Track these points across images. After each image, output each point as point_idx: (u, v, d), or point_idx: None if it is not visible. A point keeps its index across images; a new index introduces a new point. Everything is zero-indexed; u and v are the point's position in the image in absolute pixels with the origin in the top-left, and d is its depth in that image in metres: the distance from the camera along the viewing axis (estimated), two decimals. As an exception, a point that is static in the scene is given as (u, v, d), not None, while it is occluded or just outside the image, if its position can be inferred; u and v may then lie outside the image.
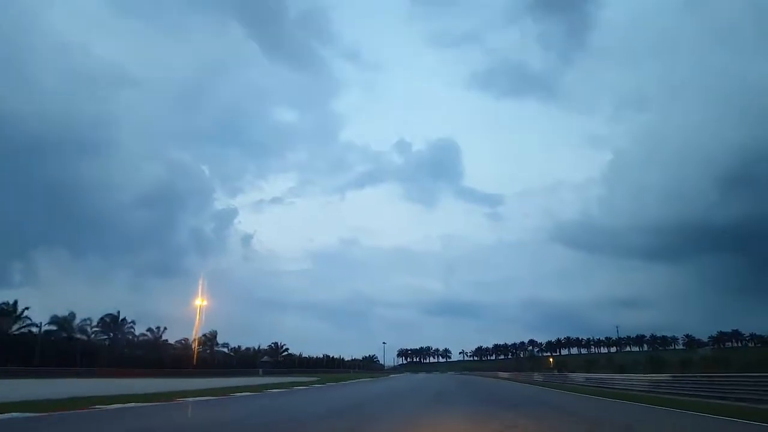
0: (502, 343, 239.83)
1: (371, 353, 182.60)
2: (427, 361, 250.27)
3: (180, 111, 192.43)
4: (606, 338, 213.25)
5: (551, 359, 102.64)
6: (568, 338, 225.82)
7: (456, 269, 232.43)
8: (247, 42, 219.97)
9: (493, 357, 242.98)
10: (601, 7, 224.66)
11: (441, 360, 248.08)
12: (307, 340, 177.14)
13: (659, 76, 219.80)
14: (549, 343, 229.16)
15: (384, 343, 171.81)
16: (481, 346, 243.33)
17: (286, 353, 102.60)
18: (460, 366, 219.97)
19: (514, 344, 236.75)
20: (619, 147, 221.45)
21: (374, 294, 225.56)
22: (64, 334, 53.47)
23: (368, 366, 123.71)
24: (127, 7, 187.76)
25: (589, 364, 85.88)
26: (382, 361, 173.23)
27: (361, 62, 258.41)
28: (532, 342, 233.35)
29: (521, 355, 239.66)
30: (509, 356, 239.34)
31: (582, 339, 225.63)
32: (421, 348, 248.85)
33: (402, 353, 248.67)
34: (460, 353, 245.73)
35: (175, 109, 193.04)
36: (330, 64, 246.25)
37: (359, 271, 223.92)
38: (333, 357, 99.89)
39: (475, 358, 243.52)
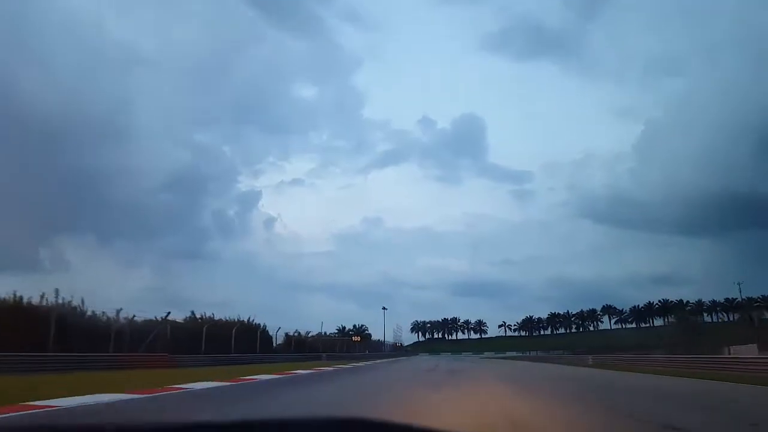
0: (561, 311, 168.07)
1: (361, 323, 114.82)
2: (453, 337, 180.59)
3: (196, 90, 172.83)
4: (726, 300, 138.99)
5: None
6: (663, 302, 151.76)
7: (483, 248, 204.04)
8: (245, 8, 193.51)
9: (549, 331, 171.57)
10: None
11: (473, 336, 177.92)
12: (329, 322, 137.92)
13: (692, 37, 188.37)
14: (635, 309, 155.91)
15: (384, 308, 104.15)
16: (531, 317, 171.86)
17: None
18: (501, 344, 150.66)
19: (581, 312, 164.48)
20: (651, 115, 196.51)
21: (399, 275, 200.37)
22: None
23: (324, 345, 54.15)
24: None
25: None
26: (380, 336, 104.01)
27: (363, 23, 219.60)
28: (608, 308, 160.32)
29: (590, 328, 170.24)
30: (572, 330, 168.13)
31: (687, 302, 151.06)
32: (445, 320, 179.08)
33: (418, 327, 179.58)
34: (499, 327, 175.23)
35: (192, 89, 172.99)
36: (330, 26, 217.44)
37: (383, 252, 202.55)
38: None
39: (522, 334, 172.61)
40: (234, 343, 32.94)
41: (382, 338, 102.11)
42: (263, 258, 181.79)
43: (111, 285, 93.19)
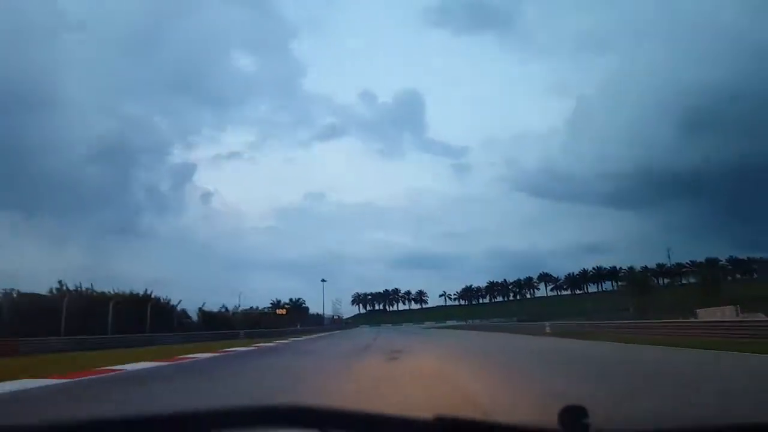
0: (498, 280, 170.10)
1: (298, 297, 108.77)
2: (395, 308, 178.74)
3: (126, 58, 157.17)
4: (658, 265, 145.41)
5: None
6: (597, 269, 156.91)
7: (424, 222, 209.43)
8: None
9: (487, 299, 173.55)
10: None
11: (414, 307, 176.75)
12: (269, 298, 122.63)
13: (621, 15, 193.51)
14: (570, 276, 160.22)
15: (323, 280, 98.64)
16: (471, 286, 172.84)
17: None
18: (442, 314, 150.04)
19: (518, 281, 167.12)
20: (583, 92, 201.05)
21: (342, 249, 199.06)
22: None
23: (250, 319, 46.93)
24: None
25: None
26: (319, 310, 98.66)
27: None
28: (544, 276, 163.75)
29: (527, 296, 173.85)
30: (510, 297, 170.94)
31: (620, 269, 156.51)
32: (386, 291, 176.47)
33: (359, 299, 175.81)
34: (440, 296, 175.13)
35: (121, 57, 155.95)
36: None
37: (326, 227, 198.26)
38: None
39: (463, 302, 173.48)
40: (114, 320, 25.68)
41: (321, 312, 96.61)
42: (199, 234, 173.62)
43: (31, 263, 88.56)
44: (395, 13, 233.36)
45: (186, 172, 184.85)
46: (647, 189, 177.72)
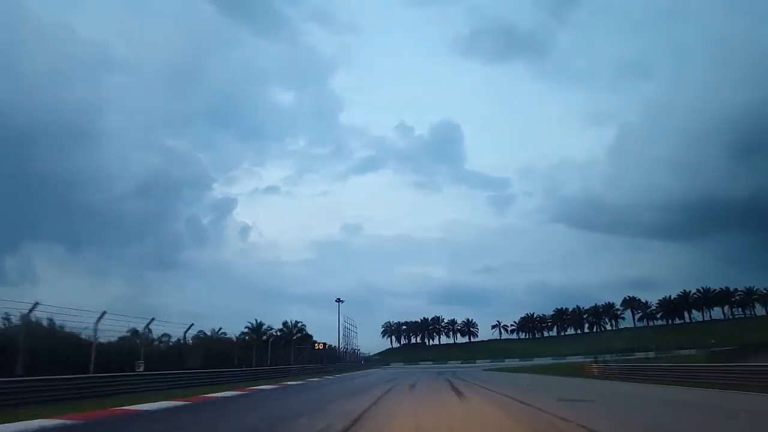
0: (565, 306, 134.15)
1: (296, 320, 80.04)
2: (436, 341, 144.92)
3: (168, 95, 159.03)
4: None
5: None
6: (703, 291, 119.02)
7: (463, 254, 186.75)
8: (218, 11, 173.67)
9: (554, 332, 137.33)
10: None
11: (460, 340, 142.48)
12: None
13: (662, 41, 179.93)
14: (665, 301, 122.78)
15: (338, 300, 70.76)
16: (532, 314, 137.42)
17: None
18: (497, 349, 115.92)
19: (595, 308, 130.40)
20: (623, 120, 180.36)
21: (377, 282, 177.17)
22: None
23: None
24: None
25: None
26: (332, 340, 69.10)
27: (336, 26, 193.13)
28: (631, 302, 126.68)
29: (606, 327, 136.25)
30: (584, 330, 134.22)
31: (734, 290, 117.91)
32: (425, 321, 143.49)
33: (391, 330, 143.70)
34: (493, 328, 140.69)
35: (164, 94, 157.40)
36: (305, 29, 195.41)
37: (361, 259, 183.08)
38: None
39: (522, 336, 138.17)
40: None
41: (336, 343, 67.12)
42: (235, 267, 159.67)
43: (77, 296, 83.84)
44: (428, 42, 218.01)
45: (226, 205, 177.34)
46: (698, 218, 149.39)
